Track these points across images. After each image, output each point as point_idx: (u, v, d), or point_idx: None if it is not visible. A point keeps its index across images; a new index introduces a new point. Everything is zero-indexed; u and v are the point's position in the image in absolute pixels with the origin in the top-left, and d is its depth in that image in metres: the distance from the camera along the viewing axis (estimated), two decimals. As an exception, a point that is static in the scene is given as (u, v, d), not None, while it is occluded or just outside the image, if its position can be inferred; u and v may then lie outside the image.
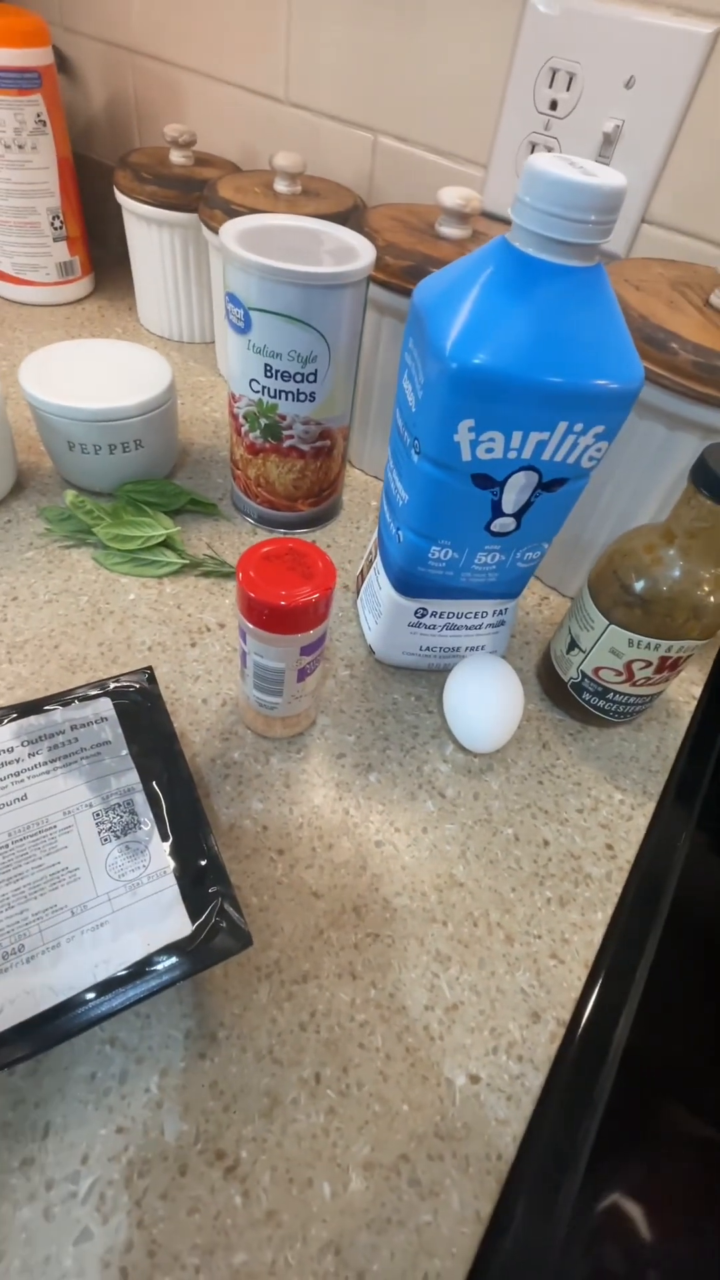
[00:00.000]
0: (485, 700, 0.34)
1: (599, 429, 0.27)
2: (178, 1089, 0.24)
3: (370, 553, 0.40)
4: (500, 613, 0.37)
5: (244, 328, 0.36)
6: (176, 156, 0.56)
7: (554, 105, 0.44)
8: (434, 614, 0.36)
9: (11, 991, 0.22)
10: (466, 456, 0.27)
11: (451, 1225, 0.23)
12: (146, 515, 0.43)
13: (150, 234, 0.57)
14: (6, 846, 0.25)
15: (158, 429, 0.44)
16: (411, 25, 0.47)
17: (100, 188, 0.72)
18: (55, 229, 0.62)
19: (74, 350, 0.45)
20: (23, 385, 0.41)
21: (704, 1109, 0.28)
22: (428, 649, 0.38)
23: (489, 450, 0.27)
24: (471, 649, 0.39)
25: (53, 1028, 0.21)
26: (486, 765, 0.36)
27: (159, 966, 0.23)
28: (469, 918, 0.30)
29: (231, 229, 0.36)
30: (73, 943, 0.23)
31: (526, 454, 0.27)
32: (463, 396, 0.25)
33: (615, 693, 0.35)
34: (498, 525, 0.31)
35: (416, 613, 0.36)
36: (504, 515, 0.30)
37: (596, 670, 0.35)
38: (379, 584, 0.37)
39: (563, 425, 0.26)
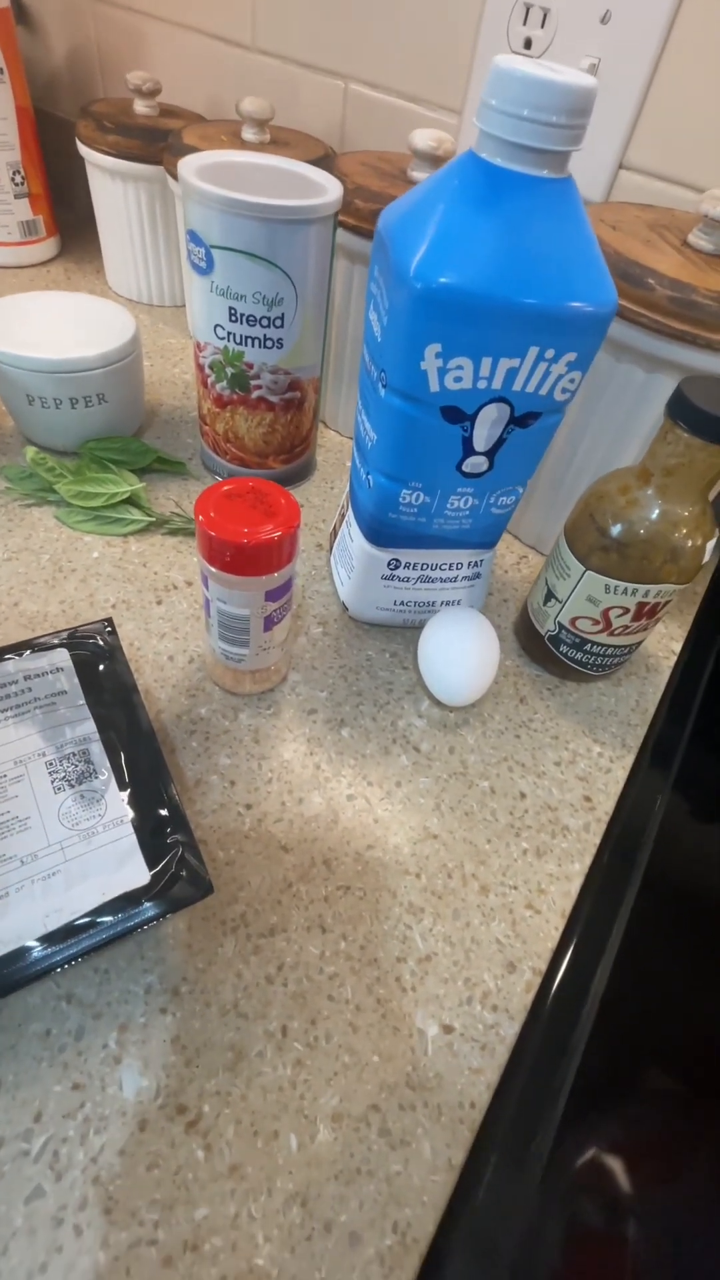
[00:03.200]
0: (460, 652, 0.33)
1: (571, 356, 0.26)
2: (137, 1044, 0.23)
3: (342, 507, 0.39)
4: (476, 564, 0.36)
5: (206, 268, 0.35)
6: (141, 106, 0.54)
7: (528, 44, 0.42)
8: (407, 565, 0.35)
9: (-45, 942, 0.21)
10: (434, 387, 0.26)
11: (423, 1174, 0.22)
12: (111, 472, 0.42)
13: (114, 188, 0.55)
14: (-48, 796, 0.23)
15: (121, 382, 0.42)
16: (381, -38, 0.45)
17: (65, 145, 0.70)
18: (16, 185, 0.59)
19: (34, 302, 0.43)
20: (-23, 335, 0.39)
21: (680, 1060, 0.28)
22: (402, 604, 0.37)
23: (457, 379, 0.26)
24: (447, 604, 0.38)
25: (1, 981, 0.20)
26: (462, 720, 0.35)
27: (114, 915, 0.22)
28: (443, 869, 0.29)
29: (191, 163, 0.34)
30: (21, 892, 0.22)
31: (497, 383, 0.26)
32: (428, 319, 0.24)
33: (593, 644, 0.35)
34: (470, 465, 0.30)
35: (389, 564, 0.35)
36: (476, 454, 0.29)
37: (574, 620, 0.34)
38: (350, 536, 0.36)
39: (534, 351, 0.25)
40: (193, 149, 0.47)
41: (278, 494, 0.27)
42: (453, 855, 0.30)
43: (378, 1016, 0.25)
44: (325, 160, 0.49)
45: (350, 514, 0.37)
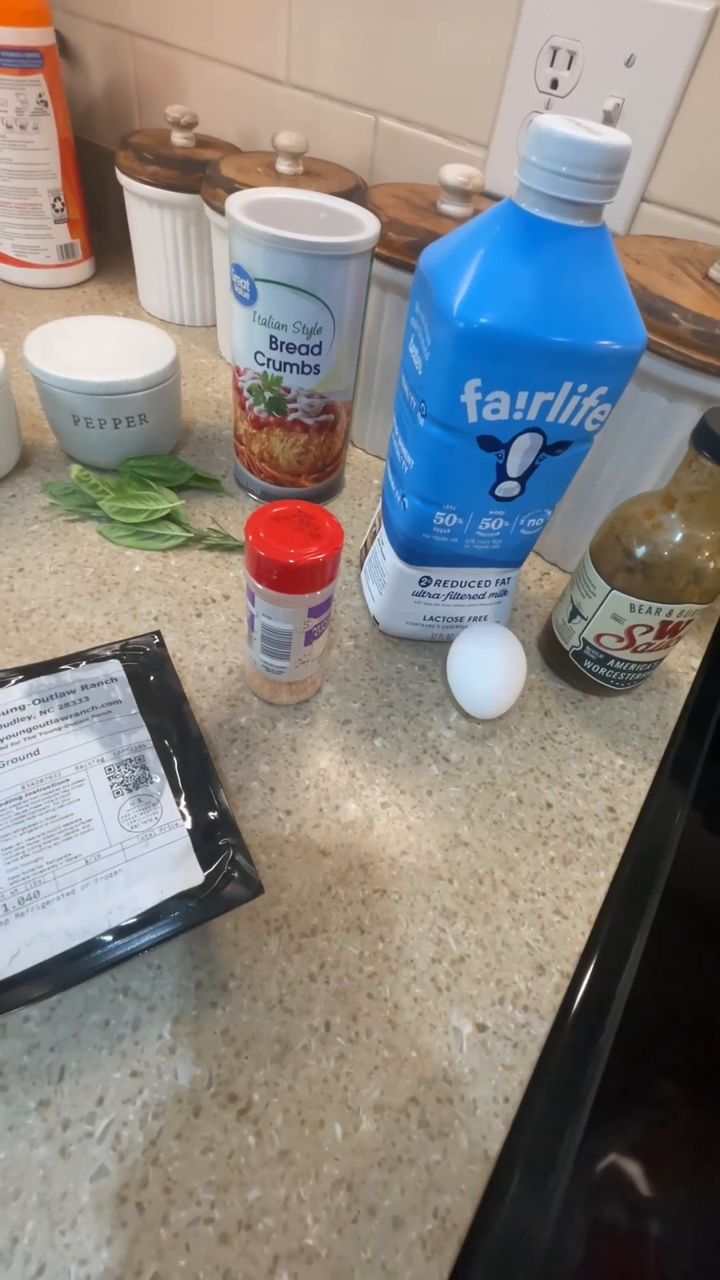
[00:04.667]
0: (488, 666, 0.35)
1: (602, 390, 0.27)
2: (190, 1035, 0.25)
3: (374, 525, 0.41)
4: (503, 582, 0.38)
5: (249, 299, 0.37)
6: (178, 138, 0.57)
7: (555, 84, 0.44)
8: (438, 582, 0.37)
9: (28, 935, 0.22)
10: (473, 418, 0.28)
11: (460, 1164, 0.23)
12: (151, 490, 0.44)
13: (151, 215, 0.57)
14: (20, 798, 0.25)
15: (161, 404, 0.44)
16: (413, 5, 0.47)
17: (100, 172, 0.73)
18: (56, 211, 0.62)
19: (78, 326, 0.45)
20: (27, 359, 0.41)
21: (700, 1062, 0.29)
22: (431, 619, 0.39)
23: (494, 411, 0.27)
24: (474, 619, 0.39)
25: (69, 969, 0.22)
26: (490, 731, 0.36)
27: (172, 913, 0.23)
28: (474, 875, 0.31)
29: (237, 201, 0.36)
30: (87, 890, 0.23)
31: (532, 415, 0.28)
32: (469, 356, 0.26)
33: (616, 660, 0.36)
34: (502, 490, 0.31)
35: (421, 581, 0.36)
36: (508, 479, 0.31)
37: (598, 637, 0.36)
38: (383, 554, 0.38)
39: (567, 385, 0.27)
40: (230, 180, 0.49)
41: (323, 517, 0.29)
42: (483, 862, 0.31)
43: (415, 1014, 0.26)
44: (357, 191, 0.51)
45: (383, 532, 0.38)
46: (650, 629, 0.34)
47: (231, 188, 0.49)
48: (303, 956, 0.27)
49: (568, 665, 0.38)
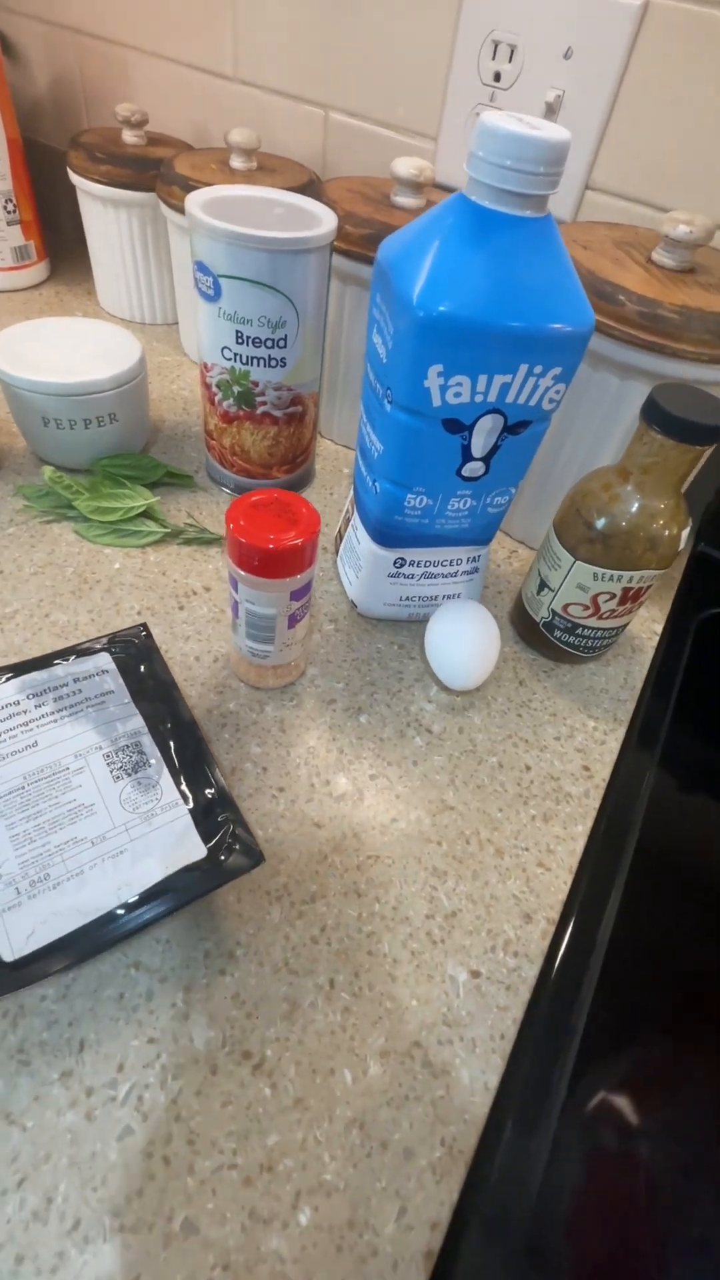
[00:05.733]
0: (464, 639, 0.36)
1: (556, 370, 0.29)
2: (202, 1002, 0.26)
3: (347, 512, 0.42)
4: (474, 559, 0.39)
5: (214, 295, 0.37)
6: (129, 136, 0.57)
7: (498, 77, 0.46)
8: (412, 563, 0.38)
9: (42, 914, 0.23)
10: (436, 402, 0.29)
11: (463, 1097, 0.25)
12: (125, 488, 0.44)
13: (107, 214, 0.57)
14: (23, 788, 0.26)
15: (130, 402, 0.45)
16: (356, 0, 0.48)
17: (49, 172, 0.72)
18: (8, 213, 0.61)
19: (41, 328, 0.45)
20: (-6, 363, 0.42)
21: (675, 993, 0.31)
22: (407, 599, 0.40)
23: (457, 394, 0.29)
24: (448, 597, 0.41)
25: (84, 943, 0.23)
26: (469, 703, 0.38)
27: (178, 886, 0.25)
28: (461, 836, 0.32)
29: (196, 199, 0.37)
30: (95, 869, 0.24)
31: (492, 397, 0.29)
32: (431, 343, 0.27)
33: (583, 628, 0.38)
34: (468, 470, 0.33)
35: (395, 562, 0.38)
36: (473, 459, 0.32)
37: (565, 607, 0.37)
38: (357, 539, 0.39)
39: (523, 368, 0.28)
40: (185, 178, 0.49)
41: (299, 504, 0.30)
42: (469, 824, 0.33)
43: (413, 967, 0.28)
44: (311, 186, 0.52)
45: (356, 518, 0.39)
46: (613, 595, 0.36)
47: (187, 185, 0.49)
48: (304, 922, 0.29)
49: (538, 636, 0.40)
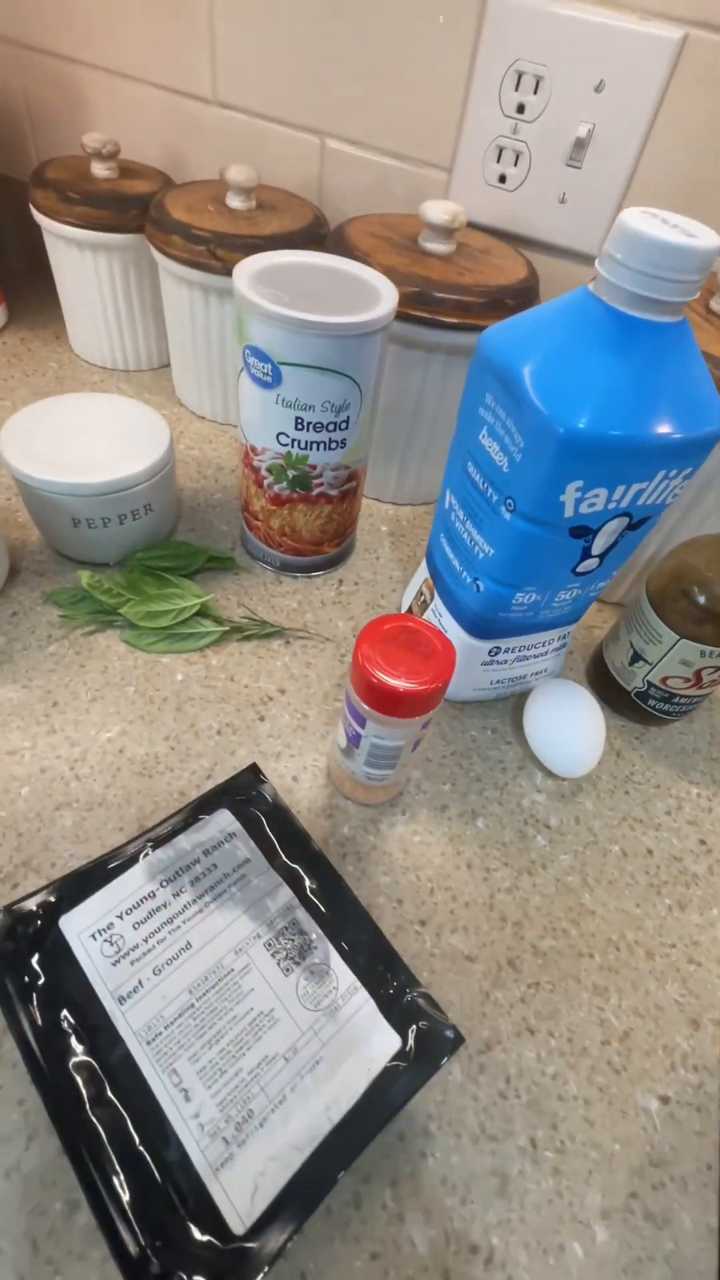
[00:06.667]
0: (572, 728, 0.35)
1: (689, 470, 0.27)
2: (412, 1195, 0.24)
3: (422, 594, 0.40)
4: (564, 636, 0.38)
5: (271, 382, 0.34)
6: (100, 169, 0.51)
7: (521, 109, 0.43)
8: (506, 650, 0.36)
9: (259, 1163, 0.21)
10: (569, 513, 0.27)
11: (692, 1247, 0.24)
12: (171, 584, 0.40)
13: (83, 259, 0.52)
14: (193, 1005, 0.23)
15: (164, 490, 0.41)
16: (355, 17, 0.44)
17: (-8, 199, 0.64)
18: (-38, 258, 0.54)
19: (50, 412, 0.40)
20: (11, 464, 0.37)
21: None
22: (497, 681, 0.38)
23: (591, 505, 0.27)
24: (536, 674, 0.39)
25: (310, 1188, 0.21)
26: (576, 786, 0.37)
27: (387, 1091, 0.23)
28: (610, 944, 0.32)
29: (244, 275, 0.33)
30: (296, 1092, 0.22)
31: (625, 503, 0.28)
32: (573, 462, 0.25)
33: (680, 697, 0.37)
34: (583, 567, 0.31)
35: (490, 651, 0.36)
36: (591, 557, 0.31)
37: (664, 679, 0.37)
38: (443, 626, 0.37)
39: (661, 473, 0.27)
40: (185, 225, 0.45)
41: (432, 635, 0.28)
42: (613, 927, 0.32)
43: (605, 1105, 0.27)
44: (319, 225, 0.48)
45: (439, 604, 0.37)
46: (719, 669, 0.35)
47: (188, 233, 0.45)
48: (487, 1076, 0.27)
49: (627, 703, 0.40)
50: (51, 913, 0.24)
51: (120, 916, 0.25)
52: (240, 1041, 0.23)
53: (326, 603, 0.44)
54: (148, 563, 0.41)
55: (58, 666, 0.37)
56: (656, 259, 0.23)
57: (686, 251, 0.22)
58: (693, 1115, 0.27)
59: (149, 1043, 0.22)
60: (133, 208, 0.50)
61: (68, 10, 0.51)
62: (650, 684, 0.38)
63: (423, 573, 0.40)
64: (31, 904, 0.25)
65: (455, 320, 0.40)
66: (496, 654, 0.36)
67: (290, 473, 0.38)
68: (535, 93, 0.42)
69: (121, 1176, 0.20)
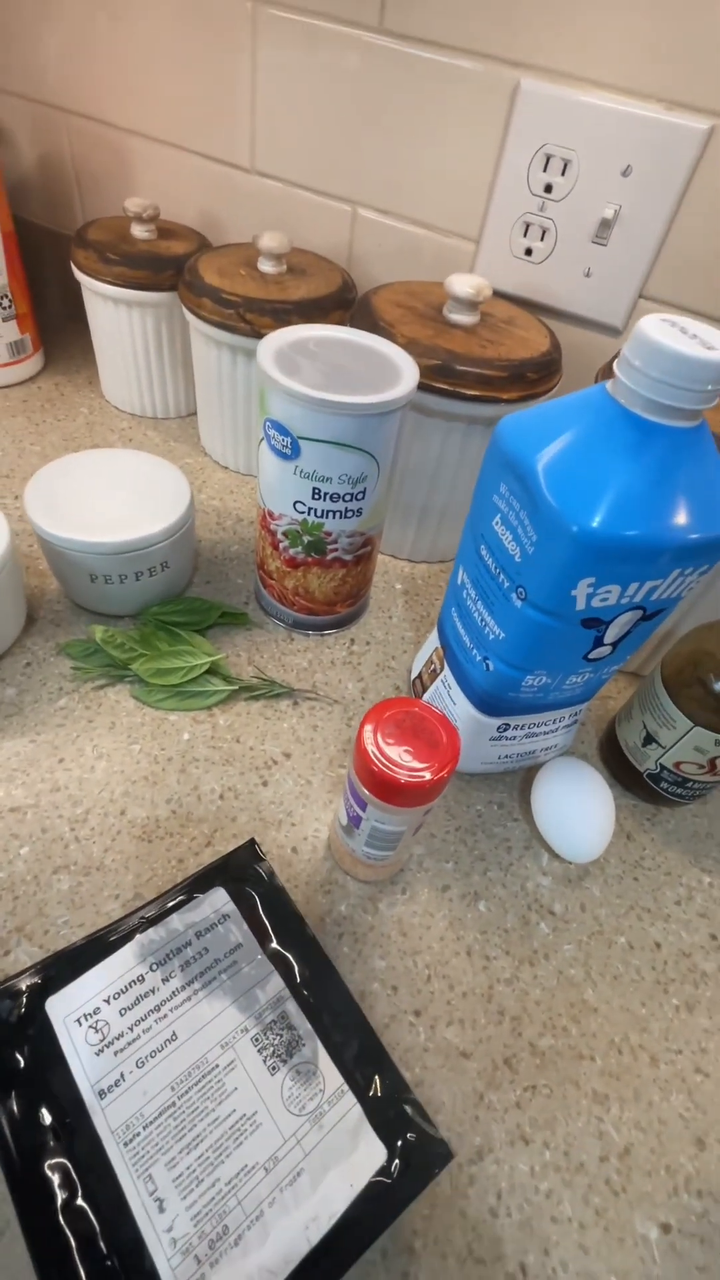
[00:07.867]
0: (581, 811, 0.34)
1: (705, 567, 0.27)
2: (392, 1321, 0.23)
3: (433, 663, 0.39)
4: (575, 714, 0.37)
5: (291, 454, 0.34)
6: (139, 231, 0.53)
7: (549, 189, 0.44)
8: (516, 727, 0.36)
9: (231, 1288, 0.20)
10: (581, 606, 0.27)
11: None
12: (183, 641, 0.41)
13: (119, 314, 0.53)
14: (173, 1104, 0.23)
15: (182, 547, 0.41)
16: (391, 98, 0.46)
17: (34, 246, 0.67)
18: (4, 309, 0.56)
19: (72, 468, 0.41)
20: (33, 520, 0.38)
21: None
22: (506, 756, 0.38)
23: (603, 600, 0.27)
24: (547, 749, 0.39)
25: (284, 1318, 0.20)
26: (584, 870, 0.36)
27: (369, 1209, 0.22)
28: (612, 1046, 0.30)
29: (268, 352, 0.34)
30: (274, 1207, 0.21)
31: (638, 599, 0.27)
32: (586, 560, 0.25)
33: (694, 781, 0.36)
34: (595, 654, 0.31)
35: (499, 728, 0.36)
36: (603, 645, 0.30)
37: (678, 764, 0.36)
38: (452, 699, 0.37)
39: (676, 571, 0.26)
40: (216, 289, 0.46)
41: (437, 723, 0.27)
42: (615, 1027, 0.31)
43: (601, 1230, 0.26)
44: (347, 289, 0.49)
45: (449, 676, 0.37)
46: (734, 758, 0.34)
47: (219, 297, 0.46)
48: (476, 1189, 0.26)
49: (639, 782, 0.39)
50: (39, 995, 0.24)
51: (108, 1001, 0.24)
52: (220, 1148, 0.22)
53: (337, 662, 0.44)
54: (162, 617, 0.42)
55: (66, 721, 0.38)
56: (674, 369, 0.23)
57: (704, 364, 0.22)
58: (695, 1247, 0.26)
59: (126, 1144, 0.22)
60: (168, 268, 0.51)
61: (118, 82, 0.54)
62: (663, 767, 0.37)
63: (434, 640, 0.40)
64: (20, 984, 0.24)
65: (476, 393, 0.40)
66: (505, 730, 0.36)
67: (306, 538, 0.38)
68: (563, 174, 0.43)
69: (89, 1292, 0.19)
